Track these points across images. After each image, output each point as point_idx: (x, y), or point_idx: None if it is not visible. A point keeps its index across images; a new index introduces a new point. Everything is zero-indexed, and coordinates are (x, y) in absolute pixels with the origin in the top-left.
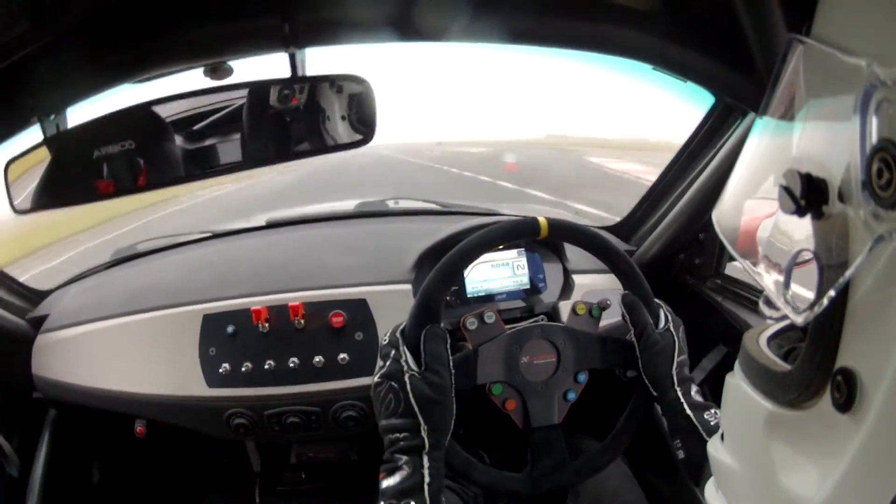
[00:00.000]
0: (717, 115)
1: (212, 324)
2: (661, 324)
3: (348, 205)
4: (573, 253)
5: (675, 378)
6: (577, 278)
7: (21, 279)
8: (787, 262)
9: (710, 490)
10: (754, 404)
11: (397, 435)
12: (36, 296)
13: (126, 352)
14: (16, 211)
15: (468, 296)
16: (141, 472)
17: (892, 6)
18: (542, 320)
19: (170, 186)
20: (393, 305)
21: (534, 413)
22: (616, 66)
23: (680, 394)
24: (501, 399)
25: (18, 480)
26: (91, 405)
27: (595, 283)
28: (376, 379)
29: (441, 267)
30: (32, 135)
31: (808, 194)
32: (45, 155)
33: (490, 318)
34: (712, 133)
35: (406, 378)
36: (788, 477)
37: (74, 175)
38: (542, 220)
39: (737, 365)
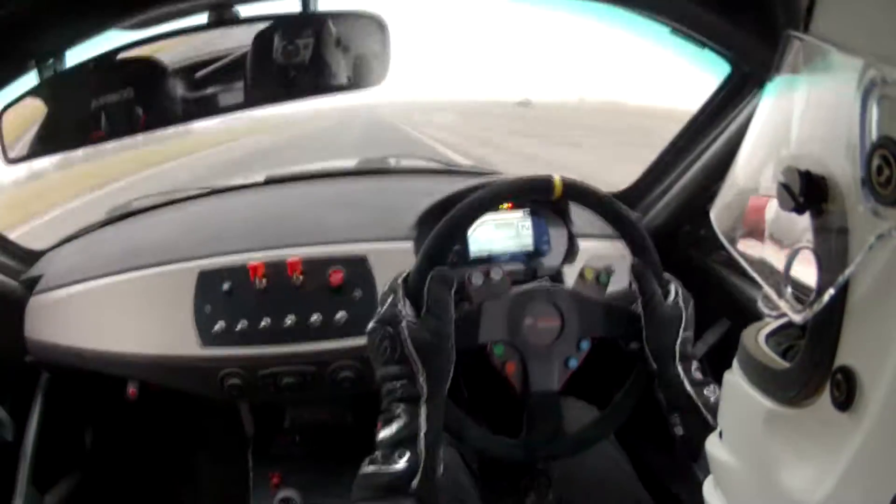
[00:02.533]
0: (731, 85)
1: (207, 281)
2: (671, 297)
3: (349, 162)
4: (578, 216)
5: (677, 353)
6: (581, 243)
7: (13, 237)
8: (787, 260)
9: (709, 488)
10: (753, 402)
11: (394, 383)
12: (30, 256)
13: (119, 311)
14: (8, 160)
15: (470, 256)
16: (133, 436)
17: (890, 3)
18: (548, 283)
19: (168, 126)
20: (394, 263)
21: (533, 377)
22: (635, 27)
23: (681, 369)
24: (502, 360)
25: (11, 444)
26: (84, 367)
27: (600, 249)
28: (372, 324)
29: (450, 218)
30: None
31: (808, 192)
32: (41, 108)
33: (497, 274)
34: (725, 103)
35: (403, 323)
36: (787, 475)
37: (71, 123)
38: (556, 178)
39: (735, 362)
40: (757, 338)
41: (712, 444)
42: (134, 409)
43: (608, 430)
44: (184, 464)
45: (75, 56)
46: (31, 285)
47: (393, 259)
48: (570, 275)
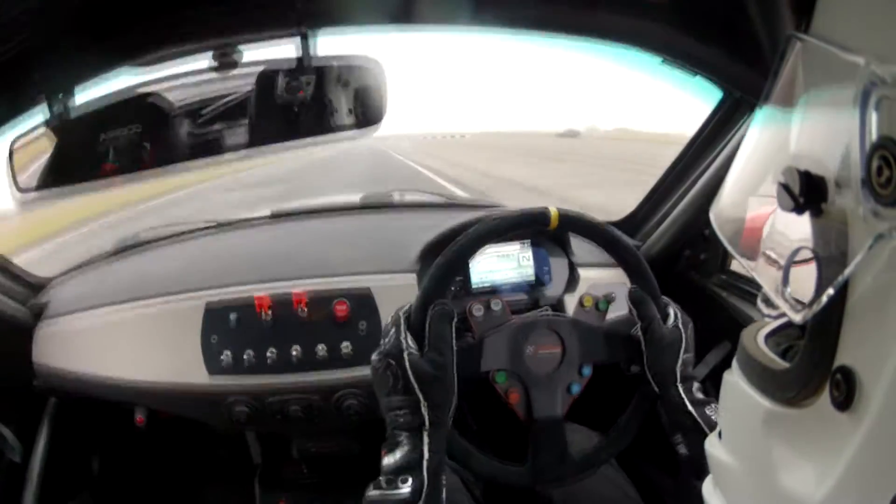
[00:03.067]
0: (724, 109)
1: (214, 312)
2: (671, 321)
3: (353, 197)
4: (579, 246)
5: (678, 375)
6: (582, 272)
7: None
8: (786, 260)
9: (708, 488)
10: (752, 402)
11: (398, 413)
12: (38, 283)
13: (127, 340)
14: (20, 190)
15: (473, 287)
16: (141, 464)
17: (891, 3)
18: (549, 311)
19: (175, 163)
20: (397, 296)
21: (537, 405)
22: (625, 60)
23: (682, 390)
24: (505, 388)
25: (17, 470)
26: (91, 394)
27: (600, 277)
28: (375, 357)
29: (449, 253)
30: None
31: (807, 192)
32: (50, 141)
33: (497, 305)
34: (719, 128)
35: (405, 356)
36: (787, 475)
37: (80, 157)
38: (552, 210)
39: (735, 362)
40: (756, 338)
41: (712, 445)
42: (142, 436)
43: (613, 453)
44: (191, 491)
45: (85, 92)
46: (38, 312)
47: (396, 292)
48: (572, 303)
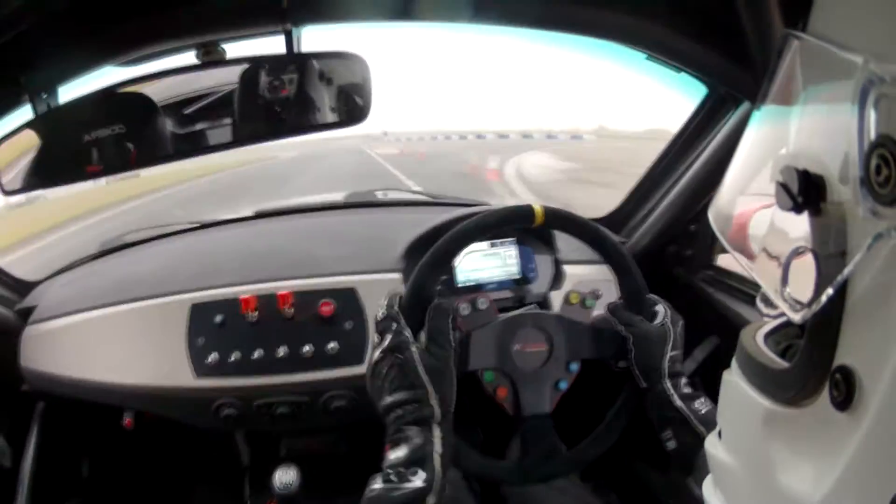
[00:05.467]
0: (709, 105)
1: (200, 313)
2: (658, 319)
3: (338, 195)
4: (564, 243)
5: (665, 371)
6: (567, 269)
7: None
8: (785, 260)
9: (708, 488)
10: (752, 402)
11: (405, 408)
12: (24, 287)
13: (113, 342)
14: (4, 191)
15: (458, 285)
16: (130, 465)
17: (889, 2)
18: (535, 309)
19: (159, 164)
20: (382, 294)
21: (525, 401)
22: (609, 54)
23: (669, 386)
24: (492, 386)
25: (9, 471)
26: (79, 397)
27: (586, 274)
28: (377, 354)
29: (435, 251)
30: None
31: (806, 191)
32: (34, 140)
33: (483, 304)
34: (704, 124)
35: (413, 348)
36: (787, 475)
37: (64, 157)
38: (537, 207)
39: (734, 362)
40: (756, 337)
41: (711, 444)
42: (130, 438)
43: (601, 448)
44: (180, 493)
45: (69, 91)
46: (25, 315)
47: (382, 290)
48: (558, 300)
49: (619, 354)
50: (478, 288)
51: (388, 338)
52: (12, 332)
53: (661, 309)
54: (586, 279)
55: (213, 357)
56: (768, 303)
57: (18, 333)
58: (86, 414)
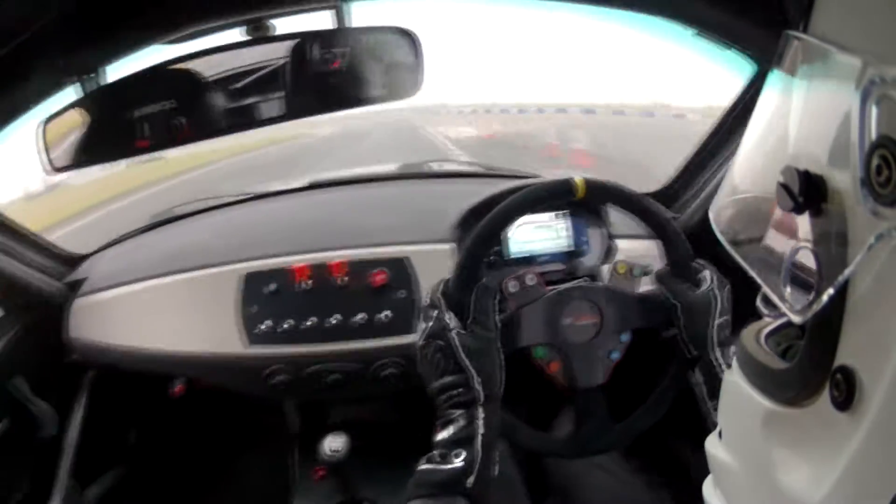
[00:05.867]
0: (757, 83)
1: (252, 283)
2: (705, 285)
3: (391, 167)
4: (616, 217)
5: (713, 340)
6: (620, 243)
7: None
8: (786, 260)
9: (708, 488)
10: (752, 402)
11: (450, 392)
12: (73, 259)
13: (165, 312)
14: (53, 168)
15: (510, 256)
16: (177, 434)
17: (890, 3)
18: (584, 282)
19: (211, 137)
20: (435, 264)
21: (578, 374)
22: (658, 31)
23: (718, 354)
24: (544, 361)
25: (54, 438)
26: (129, 366)
27: (638, 248)
28: (421, 342)
29: (479, 230)
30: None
31: (807, 192)
32: (82, 117)
33: (531, 280)
34: (752, 101)
35: (452, 334)
36: (787, 475)
37: (113, 134)
38: (578, 179)
39: (735, 362)
40: (756, 338)
41: (712, 444)
42: (178, 407)
43: (653, 419)
44: (226, 461)
45: (117, 70)
46: (74, 287)
47: (434, 260)
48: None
49: (668, 323)
50: (530, 260)
51: (430, 324)
52: (61, 303)
53: (706, 275)
54: (637, 253)
55: (265, 325)
56: (769, 303)
57: (67, 305)
58: (133, 383)
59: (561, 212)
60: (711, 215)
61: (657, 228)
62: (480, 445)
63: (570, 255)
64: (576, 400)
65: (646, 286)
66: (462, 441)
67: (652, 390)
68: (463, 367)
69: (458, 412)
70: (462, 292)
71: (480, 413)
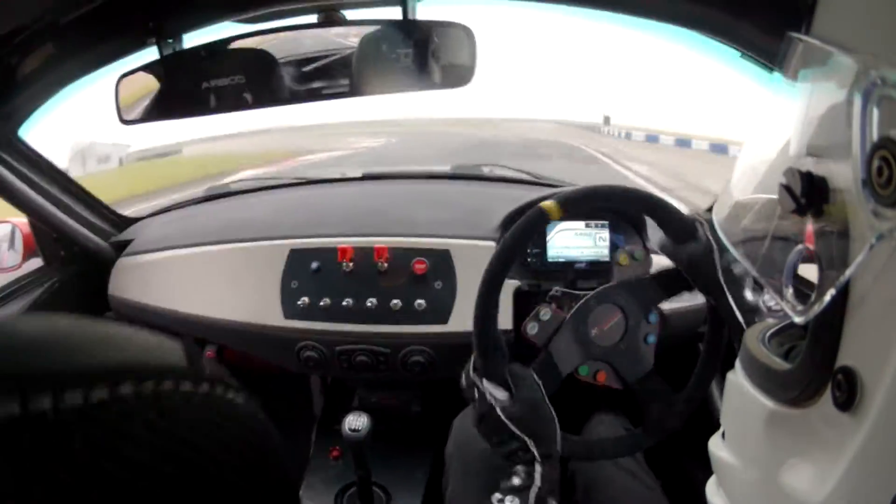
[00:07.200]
0: None
1: (297, 258)
2: (699, 235)
3: (443, 166)
4: (654, 231)
5: (723, 283)
6: (654, 258)
7: None
8: (788, 261)
9: (711, 487)
10: (755, 402)
11: (513, 457)
12: (123, 221)
13: (207, 278)
14: (123, 121)
15: (548, 260)
16: None
17: (891, 4)
18: (595, 285)
19: (274, 105)
20: (475, 259)
21: (627, 372)
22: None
23: (731, 300)
24: (591, 376)
25: None
26: (164, 327)
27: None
28: (475, 423)
29: (478, 300)
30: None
31: (809, 193)
32: (156, 82)
33: (545, 315)
34: None
35: (498, 411)
36: (789, 475)
37: (183, 100)
38: (547, 204)
39: (737, 362)
40: (759, 338)
41: (715, 445)
42: None
43: (704, 391)
44: None
45: (192, 39)
46: (120, 248)
47: (475, 255)
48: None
49: (685, 287)
50: (568, 265)
51: (477, 406)
52: (105, 261)
53: (698, 226)
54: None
55: (303, 300)
56: (771, 304)
57: (110, 264)
58: None
59: (601, 222)
60: (714, 217)
61: (642, 206)
62: (534, 498)
63: (606, 265)
64: (636, 394)
65: (657, 264)
66: (517, 490)
67: (697, 359)
68: (516, 436)
69: (520, 468)
70: (490, 361)
71: (538, 469)
